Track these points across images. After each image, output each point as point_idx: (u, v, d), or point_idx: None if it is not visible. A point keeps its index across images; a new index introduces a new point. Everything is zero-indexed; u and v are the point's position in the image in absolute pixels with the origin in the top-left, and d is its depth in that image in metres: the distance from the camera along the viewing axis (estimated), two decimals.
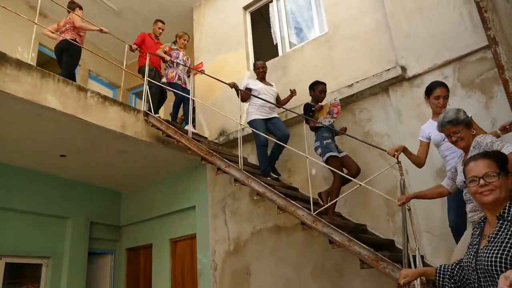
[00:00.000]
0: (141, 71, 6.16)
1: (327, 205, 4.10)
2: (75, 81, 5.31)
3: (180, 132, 5.19)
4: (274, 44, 6.43)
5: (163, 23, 6.66)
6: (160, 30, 6.60)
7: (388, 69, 4.67)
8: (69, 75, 5.33)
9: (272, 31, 6.54)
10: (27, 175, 5.97)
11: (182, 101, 6.12)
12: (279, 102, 5.27)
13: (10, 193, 5.71)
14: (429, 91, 3.42)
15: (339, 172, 4.14)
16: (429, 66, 4.44)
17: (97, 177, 6.73)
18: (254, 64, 5.41)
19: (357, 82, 4.88)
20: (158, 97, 6.17)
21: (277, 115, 5.20)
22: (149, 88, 5.88)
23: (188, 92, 5.94)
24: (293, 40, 6.38)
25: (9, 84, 4.10)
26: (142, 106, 5.72)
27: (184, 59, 6.24)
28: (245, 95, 5.14)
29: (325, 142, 4.35)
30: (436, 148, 3.40)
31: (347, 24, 5.35)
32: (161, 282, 6.50)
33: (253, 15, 6.86)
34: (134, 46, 6.20)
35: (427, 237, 4.08)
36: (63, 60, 5.58)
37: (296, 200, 4.09)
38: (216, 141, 6.15)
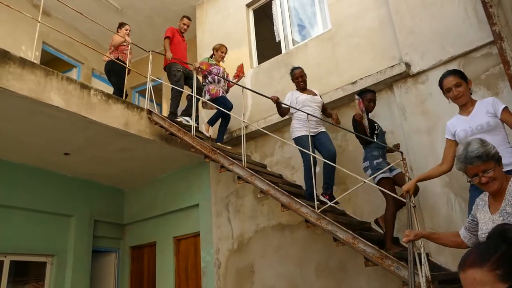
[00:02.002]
0: (170, 69, 6.00)
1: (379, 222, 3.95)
2: (122, 96, 5.67)
3: (184, 130, 5.19)
4: (277, 41, 6.41)
5: (189, 19, 6.46)
6: (185, 26, 6.39)
7: (392, 66, 4.64)
8: (120, 93, 5.74)
9: (275, 28, 6.52)
10: (31, 173, 5.99)
11: (222, 115, 5.60)
12: (326, 113, 4.82)
13: (14, 191, 5.73)
14: (441, 88, 3.03)
15: (392, 194, 3.68)
16: (434, 62, 4.41)
17: (100, 175, 6.74)
18: (292, 74, 4.83)
19: (361, 79, 4.86)
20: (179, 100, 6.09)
21: (324, 129, 4.68)
22: (171, 90, 5.85)
23: (229, 106, 5.54)
24: (296, 37, 6.36)
25: (12, 82, 4.10)
26: (146, 104, 5.71)
27: (224, 75, 5.79)
28: (286, 111, 4.68)
29: (375, 162, 3.89)
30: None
31: (350, 21, 5.32)
32: (165, 280, 6.51)
33: (256, 13, 6.84)
34: (167, 46, 6.00)
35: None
36: (111, 80, 6.15)
37: (300, 198, 4.07)
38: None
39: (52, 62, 7.43)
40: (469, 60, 4.22)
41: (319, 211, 3.79)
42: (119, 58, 6.13)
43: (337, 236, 3.63)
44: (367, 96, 4.16)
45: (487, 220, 2.04)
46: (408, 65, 4.56)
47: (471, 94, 2.89)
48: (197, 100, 5.68)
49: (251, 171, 4.42)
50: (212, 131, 5.83)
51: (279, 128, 5.58)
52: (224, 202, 5.98)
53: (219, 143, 5.50)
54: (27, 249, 5.84)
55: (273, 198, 4.22)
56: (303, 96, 4.66)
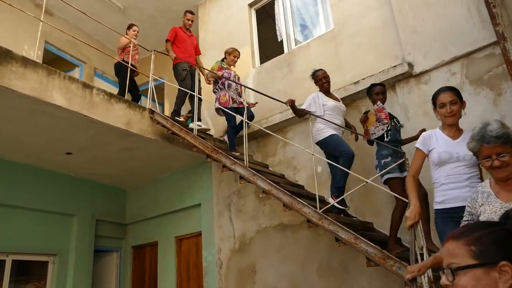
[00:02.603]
0: (176, 68, 5.92)
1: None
2: (123, 95, 5.80)
3: (186, 129, 5.19)
4: (279, 41, 6.41)
5: (192, 13, 6.34)
6: (190, 22, 6.25)
7: (395, 66, 4.63)
8: (123, 94, 5.86)
9: (277, 28, 6.51)
10: (33, 172, 5.99)
11: (240, 125, 5.35)
12: (346, 123, 4.63)
13: (16, 190, 5.74)
14: (434, 101, 2.80)
15: (398, 196, 3.57)
16: (437, 62, 4.40)
17: (102, 175, 6.75)
18: (314, 75, 4.60)
19: (363, 79, 4.85)
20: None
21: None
22: (178, 91, 5.83)
23: (249, 110, 5.34)
24: (298, 37, 6.35)
25: (15, 81, 4.11)
26: (148, 103, 5.71)
27: (235, 78, 5.60)
28: (303, 113, 4.46)
29: (382, 161, 3.79)
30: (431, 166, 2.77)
31: (353, 21, 5.31)
32: (167, 280, 6.50)
33: (258, 12, 6.84)
34: (168, 47, 5.95)
35: (434, 235, 4.04)
36: (118, 81, 6.33)
37: (302, 198, 4.07)
38: (221, 138, 6.14)
39: (55, 62, 7.44)
40: (472, 61, 4.21)
41: (321, 211, 3.78)
42: (124, 59, 6.16)
43: (339, 236, 3.62)
44: (375, 89, 4.09)
45: (498, 210, 1.86)
46: (410, 65, 4.55)
47: (460, 117, 2.72)
48: (199, 99, 5.66)
49: (253, 171, 4.41)
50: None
51: (281, 128, 5.58)
52: (226, 202, 5.98)
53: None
54: (29, 249, 5.84)
55: (275, 198, 4.21)
56: (332, 103, 4.42)
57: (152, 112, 5.57)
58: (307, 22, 6.43)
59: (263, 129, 5.11)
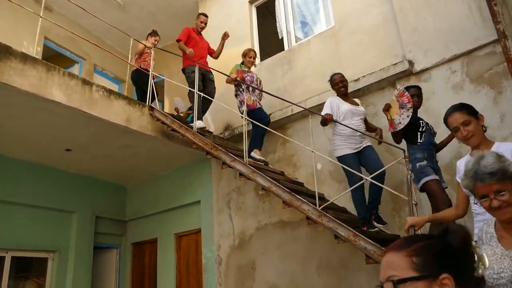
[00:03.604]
0: (185, 71, 5.75)
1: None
2: (144, 101, 5.69)
3: (185, 126, 5.18)
4: (280, 38, 6.39)
5: (206, 16, 6.18)
6: (203, 24, 6.08)
7: (395, 64, 4.62)
8: (142, 99, 5.80)
9: (277, 25, 6.50)
10: (32, 169, 5.99)
11: (263, 128, 5.07)
12: (368, 126, 4.36)
13: (15, 187, 5.74)
14: (447, 126, 2.50)
15: (438, 199, 3.27)
16: (437, 60, 4.39)
17: (102, 171, 6.75)
18: (331, 79, 4.40)
19: (364, 76, 4.84)
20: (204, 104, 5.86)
21: (369, 143, 4.21)
22: (189, 92, 5.73)
23: (267, 120, 5.15)
24: (299, 34, 6.34)
25: (14, 78, 4.10)
26: (148, 100, 5.70)
27: (258, 82, 5.42)
28: (328, 119, 4.13)
29: (418, 165, 3.47)
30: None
31: (353, 18, 5.30)
32: (166, 277, 6.52)
33: (259, 9, 6.82)
34: (182, 46, 5.68)
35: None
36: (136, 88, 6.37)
37: (301, 195, 4.07)
38: (221, 135, 6.13)
39: (54, 58, 7.42)
40: (472, 59, 4.20)
41: (320, 208, 3.78)
42: (141, 66, 6.10)
43: (338, 234, 3.62)
44: (410, 91, 3.74)
45: (499, 258, 1.62)
46: (411, 63, 4.54)
47: (485, 131, 2.39)
48: (201, 98, 5.59)
49: (252, 168, 4.41)
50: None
51: (281, 125, 5.57)
52: (226, 199, 5.98)
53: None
54: (29, 245, 5.85)
55: (275, 195, 4.21)
56: (346, 106, 4.20)
57: (151, 109, 5.56)
58: (307, 19, 6.41)
59: (263, 126, 5.11)
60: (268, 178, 4.25)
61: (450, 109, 2.46)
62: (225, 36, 5.88)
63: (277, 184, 4.16)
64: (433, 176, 3.39)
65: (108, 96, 5.06)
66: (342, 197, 4.41)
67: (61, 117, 4.81)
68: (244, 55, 5.50)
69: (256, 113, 5.13)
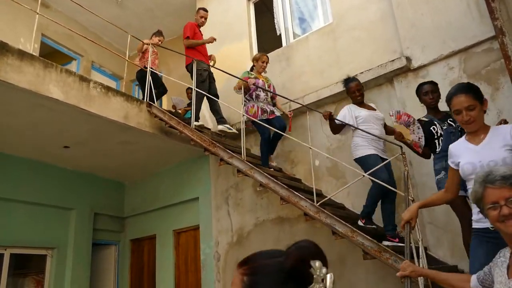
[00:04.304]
0: (190, 68, 5.59)
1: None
2: (152, 100, 5.63)
3: (183, 123, 5.18)
4: (278, 34, 6.38)
5: (205, 10, 5.99)
6: (203, 19, 5.91)
7: (393, 60, 4.62)
8: (150, 98, 5.65)
9: (275, 21, 6.49)
10: (30, 166, 5.99)
11: (274, 135, 4.91)
12: (387, 130, 4.16)
13: (14, 184, 5.74)
14: (448, 105, 2.35)
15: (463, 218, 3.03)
16: (435, 57, 4.39)
17: (100, 168, 6.75)
18: (347, 87, 4.22)
19: (362, 72, 4.84)
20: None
21: (387, 156, 4.01)
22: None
23: (279, 120, 4.93)
24: (297, 30, 6.33)
25: (11, 75, 4.09)
26: (145, 97, 5.69)
27: (265, 86, 5.07)
28: (340, 127, 4.10)
29: (436, 178, 3.32)
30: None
31: (351, 14, 5.29)
32: (165, 273, 6.54)
33: (257, 6, 6.80)
34: (193, 41, 5.57)
35: (431, 228, 4.07)
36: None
37: (299, 191, 4.08)
38: (219, 132, 6.13)
39: (51, 55, 7.41)
40: (470, 55, 4.20)
41: (318, 204, 3.80)
42: (145, 66, 6.02)
43: (336, 230, 3.64)
44: (424, 88, 3.60)
45: (502, 287, 1.53)
46: (409, 59, 4.54)
47: (484, 113, 2.28)
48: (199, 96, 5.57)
49: (250, 164, 4.42)
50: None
51: None
52: (224, 196, 5.99)
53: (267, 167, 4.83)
54: (28, 242, 5.85)
55: (273, 191, 4.22)
56: (365, 112, 4.05)
57: (149, 105, 5.56)
58: (305, 16, 6.40)
59: (261, 122, 5.10)
60: (266, 174, 4.26)
61: (457, 89, 2.28)
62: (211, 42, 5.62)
63: (275, 180, 4.18)
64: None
65: (105, 93, 5.05)
66: (340, 194, 4.43)
67: (59, 114, 4.80)
68: (256, 59, 5.17)
69: (256, 126, 4.86)
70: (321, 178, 4.96)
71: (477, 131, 2.24)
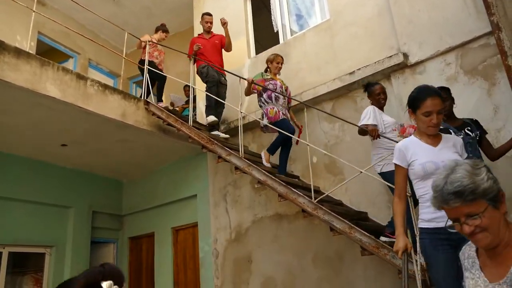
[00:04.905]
0: (199, 71, 5.66)
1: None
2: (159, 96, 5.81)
3: (181, 120, 5.18)
4: (275, 31, 6.37)
5: (209, 15, 5.98)
6: (208, 24, 5.92)
7: (390, 56, 4.62)
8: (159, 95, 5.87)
9: (272, 18, 6.47)
10: (28, 164, 5.98)
11: (287, 138, 4.65)
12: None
13: (12, 183, 5.73)
14: (415, 104, 2.35)
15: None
16: (432, 52, 4.39)
17: (98, 166, 6.75)
18: (370, 89, 4.02)
19: (359, 69, 4.84)
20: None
21: None
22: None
23: (291, 131, 4.62)
24: (294, 27, 6.32)
25: (8, 73, 4.08)
26: (143, 95, 5.68)
27: (283, 89, 4.89)
28: (374, 135, 3.70)
29: None
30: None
31: (349, 10, 5.29)
32: (164, 270, 6.55)
33: (254, 3, 6.79)
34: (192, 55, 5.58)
35: None
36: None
37: (297, 188, 4.09)
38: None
39: (48, 53, 7.38)
40: (466, 51, 4.21)
41: (316, 201, 3.81)
42: (145, 58, 5.99)
43: (334, 226, 3.65)
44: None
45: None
46: (406, 56, 4.54)
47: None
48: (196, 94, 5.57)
49: (248, 162, 4.42)
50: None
51: None
52: (222, 193, 6.00)
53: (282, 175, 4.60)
54: (26, 241, 5.86)
55: (270, 188, 4.23)
56: (390, 119, 3.86)
57: (147, 103, 5.55)
58: (302, 12, 6.39)
59: (259, 119, 5.11)
60: (264, 171, 4.26)
61: (431, 91, 2.33)
62: (224, 24, 5.66)
63: (273, 177, 4.18)
64: None
65: (103, 91, 5.05)
66: (338, 190, 4.44)
67: (56, 112, 4.80)
68: (271, 61, 4.98)
69: (279, 124, 4.60)
70: (319, 174, 4.96)
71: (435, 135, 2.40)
